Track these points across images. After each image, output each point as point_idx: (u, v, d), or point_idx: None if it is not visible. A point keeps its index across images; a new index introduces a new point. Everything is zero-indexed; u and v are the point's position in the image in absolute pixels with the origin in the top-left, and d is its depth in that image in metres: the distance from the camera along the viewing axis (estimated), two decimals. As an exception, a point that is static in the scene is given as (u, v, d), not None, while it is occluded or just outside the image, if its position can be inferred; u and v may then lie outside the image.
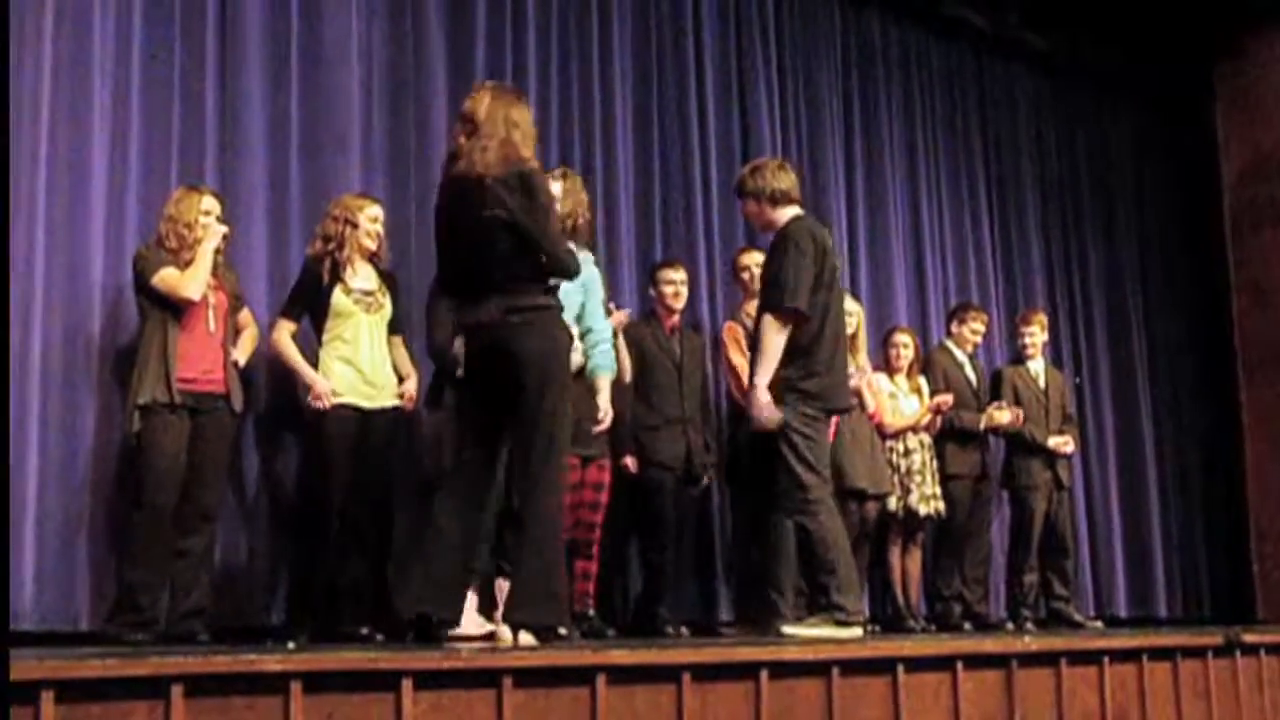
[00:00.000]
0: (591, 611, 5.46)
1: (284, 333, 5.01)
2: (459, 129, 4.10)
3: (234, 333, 4.91)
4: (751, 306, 5.52)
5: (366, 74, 5.83)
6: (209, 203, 4.82)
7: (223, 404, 4.75)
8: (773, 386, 4.68)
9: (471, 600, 4.72)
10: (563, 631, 3.99)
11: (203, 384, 4.69)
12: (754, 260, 5.98)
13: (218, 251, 4.78)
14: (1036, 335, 7.31)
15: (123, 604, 4.49)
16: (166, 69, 5.24)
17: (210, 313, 4.75)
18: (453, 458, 4.19)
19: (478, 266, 3.98)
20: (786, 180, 4.91)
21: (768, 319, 4.71)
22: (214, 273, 4.78)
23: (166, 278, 4.65)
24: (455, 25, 6.17)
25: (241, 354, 4.94)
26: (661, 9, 7.05)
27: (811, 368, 4.74)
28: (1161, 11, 8.78)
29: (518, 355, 3.93)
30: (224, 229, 4.80)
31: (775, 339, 4.68)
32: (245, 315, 5.04)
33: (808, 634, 4.49)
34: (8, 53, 4.23)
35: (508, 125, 4.03)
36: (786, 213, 4.87)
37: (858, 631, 4.60)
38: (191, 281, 4.65)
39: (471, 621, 4.65)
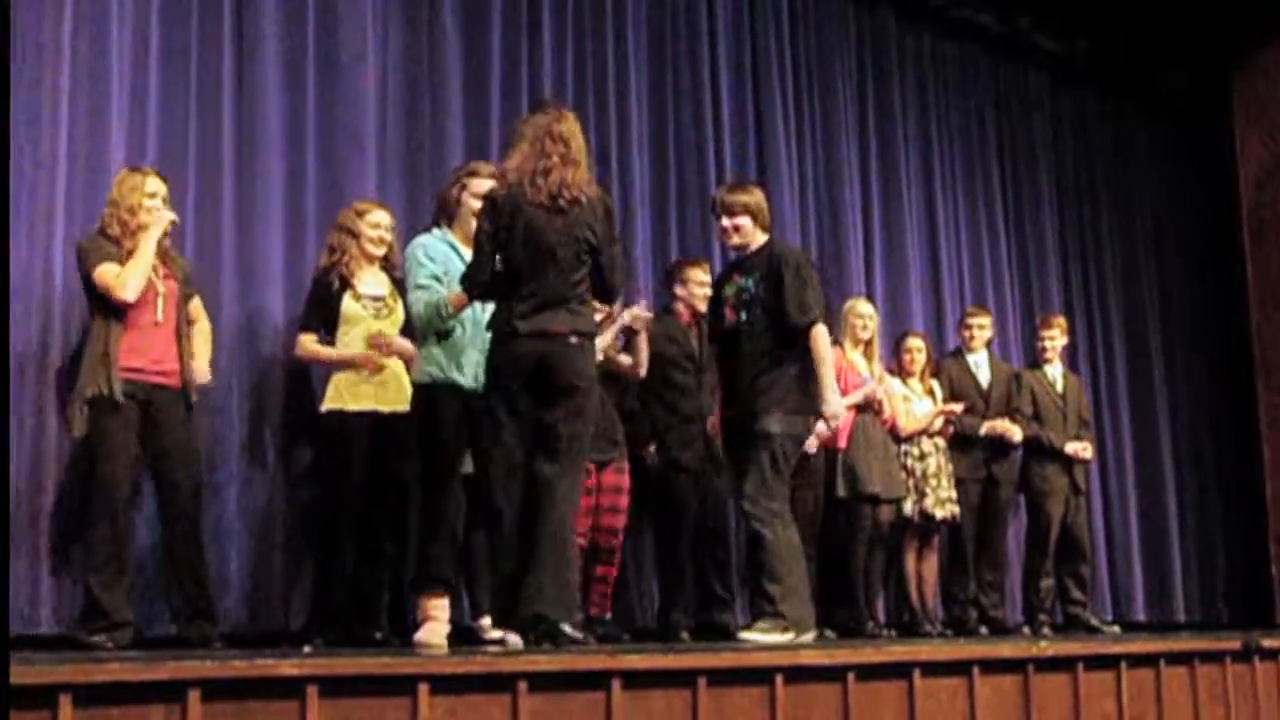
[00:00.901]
0: (608, 615, 5.45)
1: (306, 339, 4.98)
2: (549, 147, 4.23)
3: (187, 323, 4.68)
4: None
5: (382, 79, 5.84)
6: (154, 184, 4.60)
7: (176, 397, 4.54)
8: (763, 394, 4.77)
9: (444, 607, 4.74)
10: (573, 633, 4.00)
11: (152, 375, 4.48)
12: None
13: (164, 235, 4.58)
14: (1056, 339, 7.28)
15: (90, 611, 4.35)
16: (184, 74, 5.26)
17: (160, 302, 4.52)
18: (500, 462, 4.20)
19: (553, 281, 4.19)
20: (766, 205, 5.10)
21: (822, 330, 4.85)
22: (163, 259, 4.57)
23: (104, 274, 4.41)
24: (470, 30, 6.19)
25: (200, 355, 4.72)
26: (676, 13, 7.06)
27: (806, 385, 4.88)
28: (1176, 16, 8.74)
29: (575, 377, 4.19)
30: (170, 216, 4.56)
31: (819, 352, 4.84)
32: (196, 305, 4.77)
33: (766, 640, 4.51)
34: (8, 53, 4.23)
35: (582, 153, 4.31)
36: (762, 236, 5.03)
37: (810, 636, 4.71)
38: (130, 281, 4.40)
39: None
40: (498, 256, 4.26)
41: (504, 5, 6.33)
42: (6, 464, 4.20)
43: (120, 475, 4.41)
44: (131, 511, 4.52)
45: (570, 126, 4.29)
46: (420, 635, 4.65)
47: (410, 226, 5.53)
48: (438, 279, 4.66)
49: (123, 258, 4.47)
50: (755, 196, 5.04)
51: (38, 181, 4.78)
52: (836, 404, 4.89)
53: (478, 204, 4.55)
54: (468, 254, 4.54)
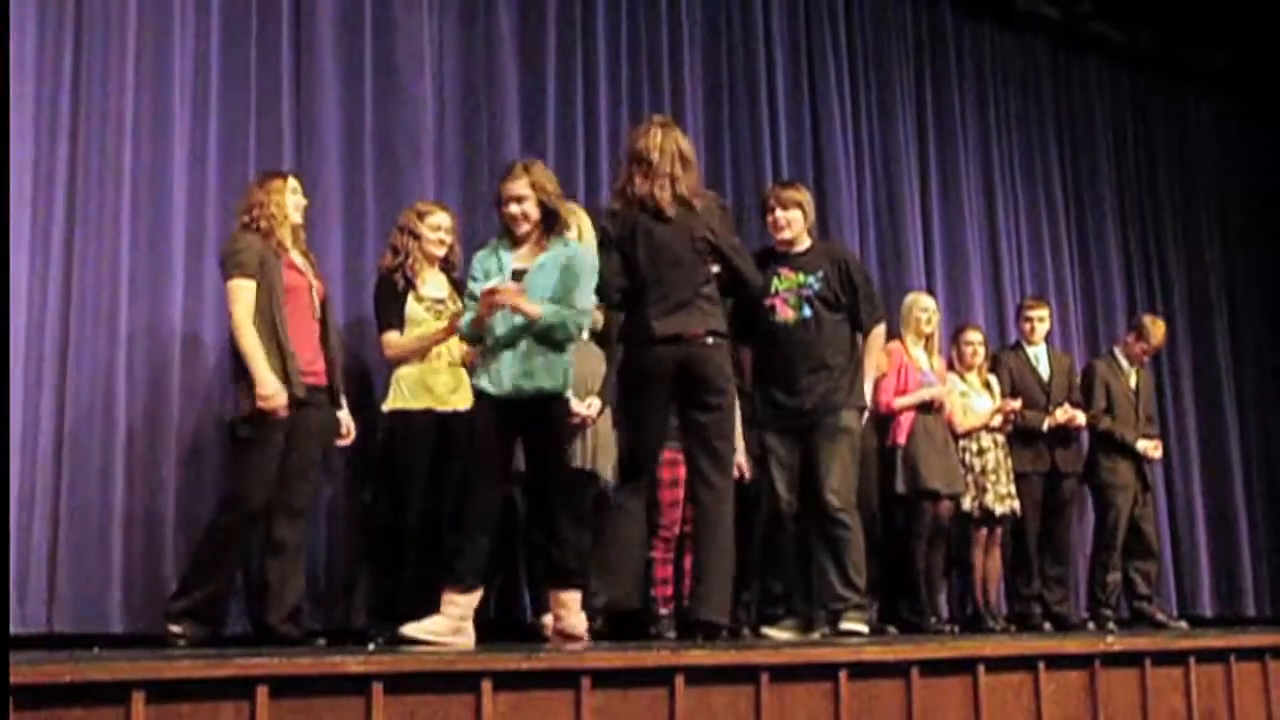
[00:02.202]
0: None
1: (392, 337, 4.96)
2: (632, 167, 4.50)
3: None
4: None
5: (439, 82, 5.89)
6: (294, 183, 4.78)
7: (324, 396, 4.66)
8: (838, 390, 4.91)
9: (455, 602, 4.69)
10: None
11: (308, 376, 4.58)
12: None
13: (302, 228, 4.75)
14: (1137, 346, 7.23)
15: (189, 607, 4.40)
16: (243, 82, 5.34)
17: (313, 296, 4.66)
18: (629, 459, 4.44)
19: (679, 283, 4.44)
20: None
21: (880, 331, 5.12)
22: (308, 257, 4.76)
23: (236, 290, 4.49)
24: (525, 33, 6.22)
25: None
26: (731, 9, 7.05)
27: (863, 380, 5.09)
28: (1240, 1, 8.59)
29: (714, 378, 4.43)
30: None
31: (879, 347, 5.20)
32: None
33: (854, 628, 4.68)
34: (8, 53, 4.29)
35: (676, 160, 4.52)
36: (808, 235, 5.15)
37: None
38: (246, 318, 4.45)
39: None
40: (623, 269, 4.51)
41: (559, 7, 6.35)
42: (7, 464, 4.20)
43: (264, 481, 4.44)
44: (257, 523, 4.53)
45: (650, 140, 4.49)
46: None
47: (468, 229, 5.58)
48: (475, 297, 4.61)
49: (269, 251, 4.53)
50: (805, 195, 5.16)
51: (104, 188, 4.87)
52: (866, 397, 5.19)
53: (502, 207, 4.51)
54: (507, 259, 4.47)
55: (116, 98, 4.95)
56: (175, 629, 4.36)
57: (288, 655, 3.08)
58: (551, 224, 4.39)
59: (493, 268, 4.46)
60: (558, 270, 4.35)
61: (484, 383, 4.63)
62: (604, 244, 4.52)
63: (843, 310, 5.01)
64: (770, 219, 5.12)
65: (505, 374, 4.45)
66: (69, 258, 4.79)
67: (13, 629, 4.35)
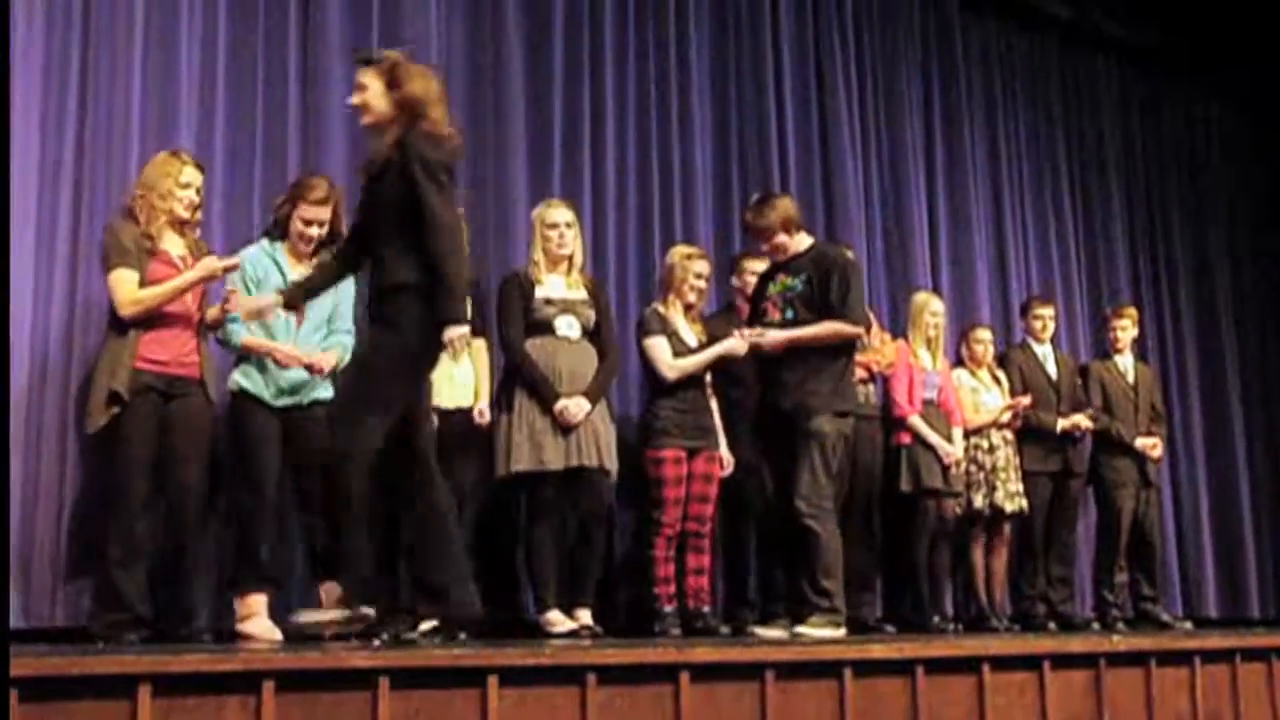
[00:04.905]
0: (706, 608, 5.43)
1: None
2: None
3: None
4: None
5: (446, 72, 5.85)
6: (189, 174, 4.50)
7: (197, 390, 4.44)
8: (813, 393, 4.87)
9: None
10: None
11: (175, 367, 4.40)
12: None
13: (196, 225, 4.54)
14: (1127, 330, 7.18)
15: (108, 602, 4.27)
16: (250, 80, 5.33)
17: (189, 293, 4.42)
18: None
19: None
20: (794, 206, 5.20)
21: (839, 325, 4.94)
22: (193, 252, 4.50)
23: (118, 283, 4.34)
24: (533, 23, 6.21)
25: None
26: (739, 6, 7.03)
27: (849, 384, 5.08)
28: (1245, 3, 8.57)
29: None
30: (220, 266, 4.40)
31: (828, 336, 4.93)
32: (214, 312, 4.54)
33: (820, 634, 4.60)
34: (8, 53, 4.27)
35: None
36: (804, 237, 5.15)
37: (843, 630, 4.77)
38: (141, 308, 4.33)
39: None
40: None
41: (566, 1, 6.34)
42: (6, 464, 4.09)
43: (134, 471, 4.31)
44: (151, 508, 4.39)
45: None
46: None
47: (470, 220, 5.56)
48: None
49: (145, 249, 4.39)
50: (777, 211, 5.11)
51: (110, 187, 4.86)
52: (773, 336, 4.99)
53: (303, 227, 4.64)
54: (286, 266, 4.60)
55: (123, 96, 4.94)
56: (109, 632, 4.23)
57: (294, 650, 3.09)
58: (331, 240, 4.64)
59: (272, 273, 4.59)
60: (333, 291, 4.43)
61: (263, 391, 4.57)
62: None
63: (824, 312, 4.97)
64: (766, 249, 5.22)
65: (283, 381, 4.52)
66: (75, 255, 4.77)
67: (17, 623, 4.34)
